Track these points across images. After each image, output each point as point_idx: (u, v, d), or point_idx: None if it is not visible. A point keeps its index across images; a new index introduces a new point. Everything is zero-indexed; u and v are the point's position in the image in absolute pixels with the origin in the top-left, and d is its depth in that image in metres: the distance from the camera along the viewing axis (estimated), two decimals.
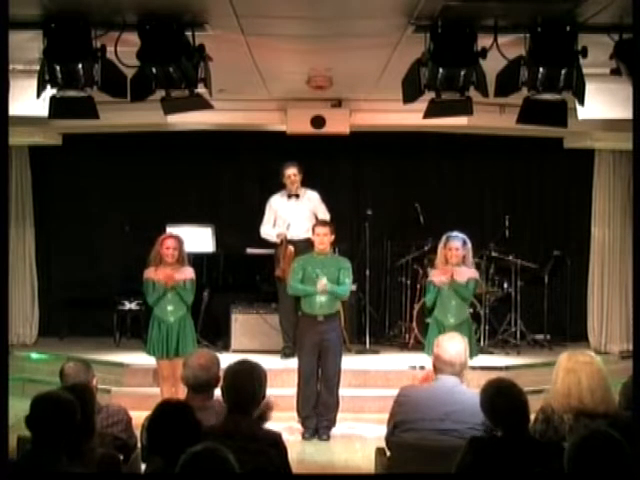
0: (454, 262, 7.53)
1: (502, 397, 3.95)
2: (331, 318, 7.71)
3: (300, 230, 9.39)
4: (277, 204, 9.50)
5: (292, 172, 9.34)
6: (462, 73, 5.64)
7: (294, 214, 9.42)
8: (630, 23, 5.21)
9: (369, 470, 5.52)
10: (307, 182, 9.45)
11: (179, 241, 7.65)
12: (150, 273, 7.62)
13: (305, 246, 9.26)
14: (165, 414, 3.72)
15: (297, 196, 9.43)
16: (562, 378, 4.23)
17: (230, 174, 10.87)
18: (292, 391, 7.79)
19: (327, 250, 7.82)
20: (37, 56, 5.65)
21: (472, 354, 6.65)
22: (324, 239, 7.76)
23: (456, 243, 7.54)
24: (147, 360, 8.01)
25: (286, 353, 9.35)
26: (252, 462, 3.67)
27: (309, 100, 9.05)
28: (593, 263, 10.40)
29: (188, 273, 7.68)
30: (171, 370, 7.41)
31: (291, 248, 9.17)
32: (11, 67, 5.65)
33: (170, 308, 7.58)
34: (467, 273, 7.61)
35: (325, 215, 9.41)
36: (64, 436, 3.62)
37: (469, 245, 7.62)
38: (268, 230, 9.51)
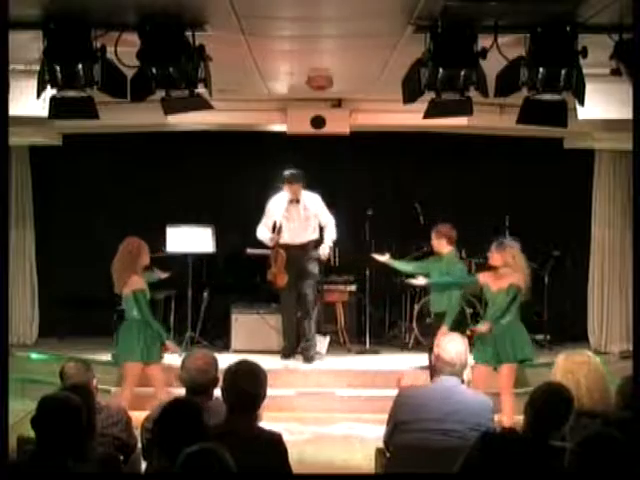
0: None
1: (544, 397, 3.89)
2: (438, 318, 7.90)
3: (296, 235, 9.27)
4: (276, 207, 9.32)
5: (292, 179, 9.12)
6: (462, 73, 5.64)
7: (293, 218, 9.28)
8: (630, 23, 5.22)
9: (369, 470, 5.52)
10: (307, 183, 9.37)
11: None
12: (141, 283, 7.33)
13: (298, 252, 9.15)
14: (175, 411, 3.72)
15: (297, 201, 9.27)
16: (560, 379, 4.22)
17: (230, 174, 10.84)
18: (292, 391, 7.79)
19: (441, 253, 8.06)
20: (37, 56, 5.64)
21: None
22: (433, 243, 8.12)
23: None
24: None
25: (286, 354, 9.35)
26: (252, 462, 3.67)
27: (309, 100, 9.05)
28: (593, 263, 10.39)
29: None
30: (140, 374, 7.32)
31: (283, 253, 9.10)
32: (11, 67, 5.63)
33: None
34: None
35: (328, 218, 9.35)
36: (69, 437, 3.63)
37: None
38: (264, 233, 9.34)
